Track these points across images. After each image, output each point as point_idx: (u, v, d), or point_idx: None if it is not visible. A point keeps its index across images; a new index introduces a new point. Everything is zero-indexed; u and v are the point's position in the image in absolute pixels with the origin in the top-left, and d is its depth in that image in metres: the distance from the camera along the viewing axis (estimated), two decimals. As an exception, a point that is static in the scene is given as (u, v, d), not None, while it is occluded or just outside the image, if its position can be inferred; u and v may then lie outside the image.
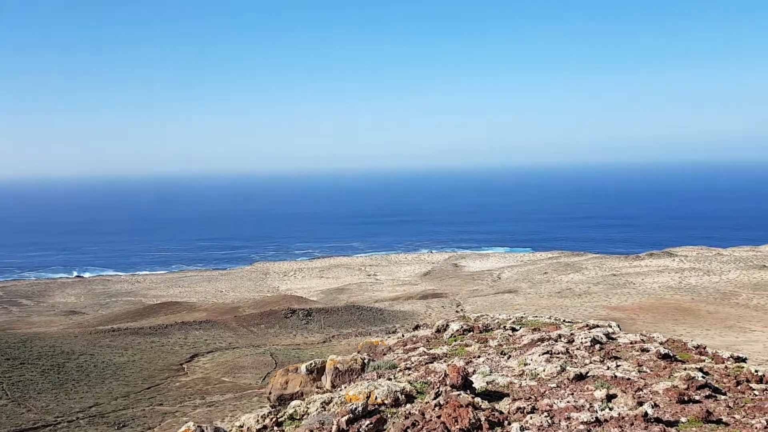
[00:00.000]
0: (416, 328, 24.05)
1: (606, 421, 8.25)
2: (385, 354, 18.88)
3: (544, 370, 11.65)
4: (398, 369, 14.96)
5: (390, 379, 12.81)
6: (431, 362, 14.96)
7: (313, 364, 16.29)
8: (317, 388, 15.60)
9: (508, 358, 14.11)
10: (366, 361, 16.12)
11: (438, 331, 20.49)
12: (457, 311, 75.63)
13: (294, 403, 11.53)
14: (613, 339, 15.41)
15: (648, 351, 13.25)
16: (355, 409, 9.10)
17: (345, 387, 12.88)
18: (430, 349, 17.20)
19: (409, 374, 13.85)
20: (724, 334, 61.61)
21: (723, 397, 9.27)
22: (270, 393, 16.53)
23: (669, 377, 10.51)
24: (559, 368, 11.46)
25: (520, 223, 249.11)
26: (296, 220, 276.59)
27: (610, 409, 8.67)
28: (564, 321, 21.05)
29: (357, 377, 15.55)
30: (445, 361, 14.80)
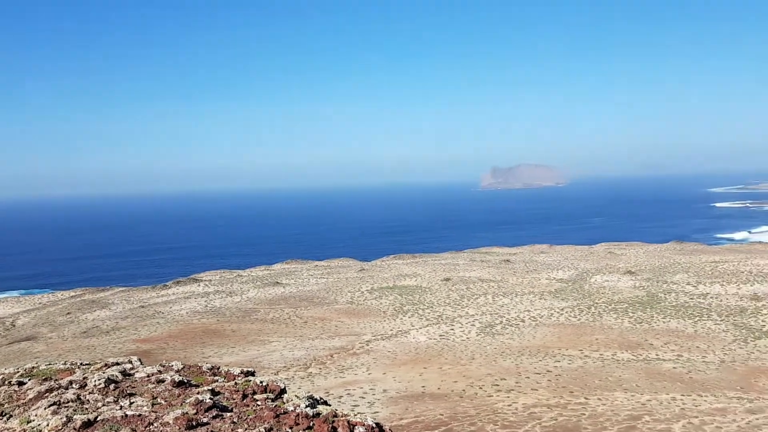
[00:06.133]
0: None
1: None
2: None
3: (48, 425, 10.41)
4: None
5: None
6: None
7: None
8: None
9: (8, 419, 12.24)
10: None
11: None
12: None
13: None
14: (130, 375, 14.85)
15: (164, 381, 13.14)
16: None
17: None
18: None
19: None
20: (248, 349, 66.89)
21: (229, 414, 9.71)
22: None
23: (181, 405, 10.55)
24: (65, 419, 10.39)
25: (39, 264, 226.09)
26: None
27: (117, 453, 8.16)
28: (81, 364, 19.52)
29: None
30: None
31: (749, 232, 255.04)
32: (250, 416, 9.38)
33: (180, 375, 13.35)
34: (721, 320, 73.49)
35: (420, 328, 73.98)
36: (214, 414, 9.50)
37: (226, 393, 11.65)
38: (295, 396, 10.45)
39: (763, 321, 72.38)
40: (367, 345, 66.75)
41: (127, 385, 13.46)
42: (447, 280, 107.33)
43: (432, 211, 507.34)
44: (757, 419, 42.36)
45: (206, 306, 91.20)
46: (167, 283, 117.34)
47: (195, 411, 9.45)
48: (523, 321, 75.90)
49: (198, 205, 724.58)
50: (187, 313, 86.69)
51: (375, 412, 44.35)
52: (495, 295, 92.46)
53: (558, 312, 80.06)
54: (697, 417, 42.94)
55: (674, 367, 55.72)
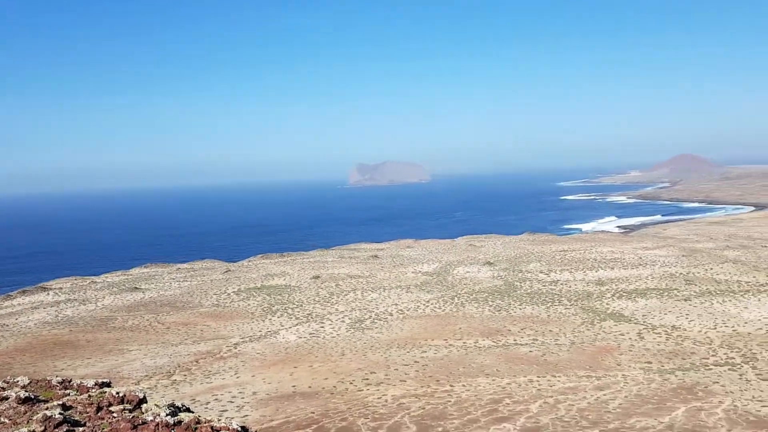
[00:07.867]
0: None
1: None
2: None
3: None
4: None
5: None
6: None
7: None
8: None
9: None
10: None
11: None
12: None
13: None
14: (-33, 395, 13.52)
15: (8, 399, 12.08)
16: None
17: None
18: None
19: None
20: (105, 360, 63.08)
21: (82, 428, 9.11)
22: None
23: (27, 422, 9.75)
24: None
25: None
26: None
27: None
28: None
29: None
30: None
31: (597, 222, 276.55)
32: (105, 429, 8.85)
33: (26, 391, 12.34)
34: (570, 305, 79.21)
35: (290, 328, 73.41)
36: (64, 430, 8.87)
37: (79, 407, 10.91)
38: (155, 405, 9.98)
39: (607, 304, 78.87)
40: (235, 348, 65.24)
41: (-38, 406, 12.24)
42: (316, 277, 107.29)
43: (300, 209, 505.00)
44: (605, 395, 46.11)
45: (57, 316, 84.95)
46: (11, 293, 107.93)
47: (43, 428, 8.77)
48: (391, 315, 77.53)
49: (47, 208, 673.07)
50: (35, 324, 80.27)
51: (244, 416, 43.48)
52: (364, 291, 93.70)
53: (424, 304, 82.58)
54: (552, 396, 46.01)
55: (530, 351, 59.33)
